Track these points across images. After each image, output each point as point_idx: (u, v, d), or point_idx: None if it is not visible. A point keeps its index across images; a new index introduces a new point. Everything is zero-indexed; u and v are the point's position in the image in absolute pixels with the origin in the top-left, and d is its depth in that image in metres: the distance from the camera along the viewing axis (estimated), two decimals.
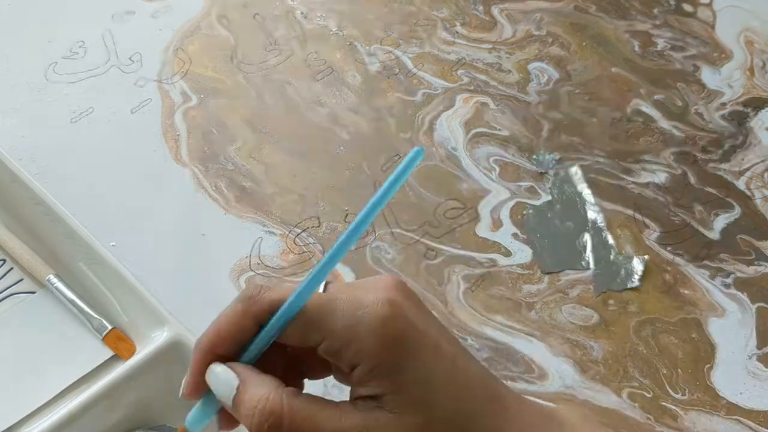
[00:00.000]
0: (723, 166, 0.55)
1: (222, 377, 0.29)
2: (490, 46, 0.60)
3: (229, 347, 0.30)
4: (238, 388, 0.29)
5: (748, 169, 0.55)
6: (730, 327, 0.47)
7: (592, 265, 0.48)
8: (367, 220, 0.29)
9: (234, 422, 0.31)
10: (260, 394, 0.28)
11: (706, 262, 0.49)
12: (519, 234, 0.49)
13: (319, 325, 0.28)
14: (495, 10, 0.62)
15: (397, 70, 0.57)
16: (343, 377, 0.30)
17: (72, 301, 0.42)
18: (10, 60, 0.53)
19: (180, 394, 0.30)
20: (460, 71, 0.58)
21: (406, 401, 0.28)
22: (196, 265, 0.46)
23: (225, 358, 0.30)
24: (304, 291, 0.29)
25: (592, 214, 0.51)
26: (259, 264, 0.46)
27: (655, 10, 0.65)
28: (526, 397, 0.30)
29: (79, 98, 0.52)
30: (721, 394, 0.43)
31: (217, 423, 0.31)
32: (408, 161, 0.28)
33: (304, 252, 0.47)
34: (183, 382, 0.30)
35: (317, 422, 0.28)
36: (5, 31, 0.55)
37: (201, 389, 0.30)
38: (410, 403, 0.28)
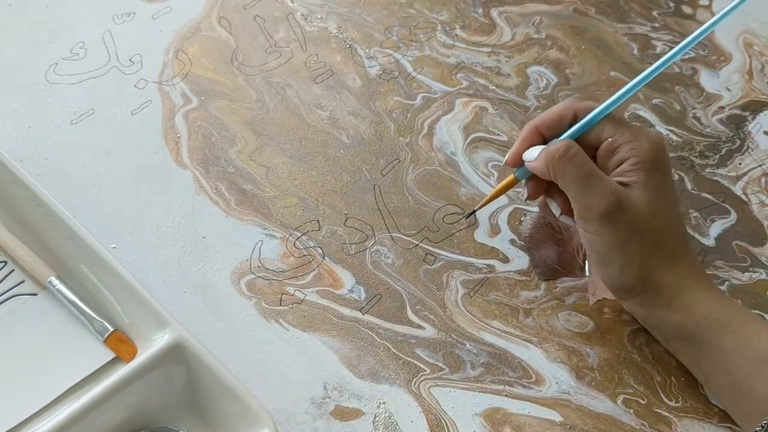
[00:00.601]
0: (720, 171, 0.55)
1: (535, 149, 0.43)
2: (489, 49, 0.60)
3: (549, 128, 0.43)
4: (544, 148, 0.42)
5: (745, 174, 0.55)
6: None
7: (588, 273, 0.48)
8: (685, 48, 0.43)
9: (538, 193, 0.45)
10: (560, 142, 0.42)
11: None
12: (516, 240, 0.50)
13: (617, 125, 0.42)
14: (494, 13, 0.63)
15: (397, 73, 0.57)
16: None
17: (73, 303, 0.42)
18: (11, 61, 0.53)
19: (504, 162, 0.46)
20: (459, 75, 0.58)
21: (645, 195, 0.41)
22: (196, 267, 0.46)
23: (544, 140, 0.44)
24: (616, 101, 0.43)
25: None
26: (259, 267, 0.46)
27: (654, 13, 0.65)
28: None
29: (80, 99, 0.52)
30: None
31: (527, 192, 0.45)
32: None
33: (304, 255, 0.47)
34: (509, 152, 0.45)
35: (593, 165, 0.41)
36: (6, 32, 0.55)
37: (519, 160, 0.44)
38: (648, 198, 0.41)
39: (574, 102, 0.44)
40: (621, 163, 0.42)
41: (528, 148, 0.44)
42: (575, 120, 0.43)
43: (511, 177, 0.46)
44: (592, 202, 0.41)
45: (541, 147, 0.43)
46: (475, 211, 0.48)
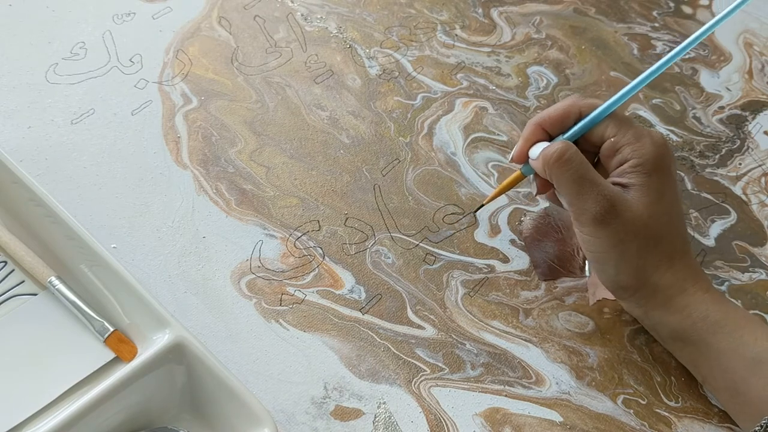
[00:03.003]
0: (720, 171, 0.55)
1: (539, 146, 0.43)
2: (489, 49, 0.60)
3: (553, 126, 0.43)
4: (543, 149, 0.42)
5: (745, 174, 0.55)
6: None
7: (588, 273, 0.48)
8: (686, 49, 0.43)
9: (546, 186, 0.44)
10: (561, 143, 0.42)
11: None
12: (517, 240, 0.50)
13: (620, 125, 0.42)
14: (494, 13, 0.63)
15: (397, 73, 0.57)
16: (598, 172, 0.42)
17: (74, 303, 0.42)
18: (11, 61, 0.53)
19: (509, 159, 0.47)
20: (459, 75, 0.58)
21: (644, 196, 0.41)
22: (196, 267, 0.46)
23: (548, 137, 0.44)
24: (619, 99, 0.43)
25: None
26: (260, 267, 0.46)
27: (654, 13, 0.65)
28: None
29: (80, 99, 0.52)
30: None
31: (535, 187, 0.45)
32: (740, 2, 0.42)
33: (304, 255, 0.47)
34: (514, 149, 0.45)
35: (588, 168, 0.41)
36: (6, 32, 0.55)
37: (524, 158, 0.44)
38: (646, 200, 0.41)
39: (578, 99, 0.44)
40: (622, 164, 0.42)
41: (533, 145, 0.44)
42: (580, 117, 0.44)
43: (517, 173, 0.46)
44: (585, 206, 0.41)
45: (545, 144, 0.43)
46: (483, 206, 0.48)
